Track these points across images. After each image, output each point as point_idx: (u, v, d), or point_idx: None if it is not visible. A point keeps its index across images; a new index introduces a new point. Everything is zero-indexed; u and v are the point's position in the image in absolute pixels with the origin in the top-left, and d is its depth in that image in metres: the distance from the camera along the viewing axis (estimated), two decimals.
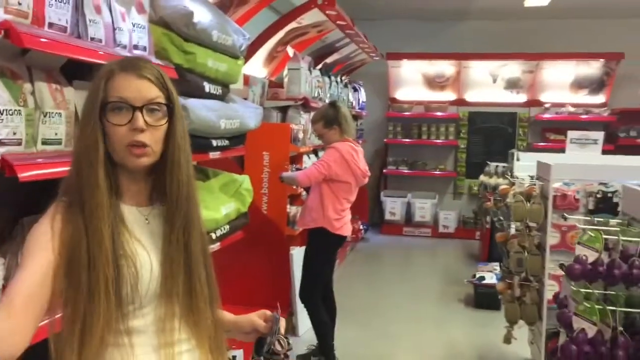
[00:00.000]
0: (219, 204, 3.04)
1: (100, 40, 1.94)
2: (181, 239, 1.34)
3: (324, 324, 4.07)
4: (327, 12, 5.01)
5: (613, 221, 2.18)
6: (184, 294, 1.34)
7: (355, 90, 7.71)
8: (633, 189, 2.20)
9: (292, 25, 5.06)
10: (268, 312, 1.51)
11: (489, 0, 7.42)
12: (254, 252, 4.16)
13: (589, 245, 1.88)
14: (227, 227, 3.08)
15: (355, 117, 7.81)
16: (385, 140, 8.79)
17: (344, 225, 4.10)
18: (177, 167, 1.34)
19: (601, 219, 2.34)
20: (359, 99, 7.83)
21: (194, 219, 1.37)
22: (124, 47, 2.09)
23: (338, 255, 4.52)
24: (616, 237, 1.91)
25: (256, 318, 1.50)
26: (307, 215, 4.12)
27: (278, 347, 1.46)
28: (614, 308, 1.85)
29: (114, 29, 2.04)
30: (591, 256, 1.87)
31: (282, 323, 1.48)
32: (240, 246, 3.45)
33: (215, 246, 2.98)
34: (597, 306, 1.86)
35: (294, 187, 4.52)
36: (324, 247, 4.10)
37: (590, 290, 1.87)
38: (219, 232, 2.98)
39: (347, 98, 6.98)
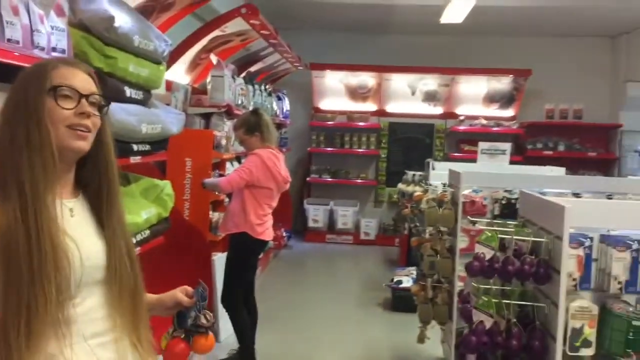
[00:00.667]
0: (140, 209, 3.04)
1: (17, 42, 1.94)
2: (113, 229, 1.41)
3: (245, 328, 4.12)
4: (250, 21, 5.08)
5: (511, 223, 2.37)
6: (110, 283, 1.40)
7: (279, 99, 7.81)
8: (528, 194, 2.40)
9: (216, 33, 5.10)
10: (189, 288, 1.59)
11: (408, 15, 7.73)
12: (175, 258, 4.14)
13: (487, 244, 2.05)
14: (148, 231, 3.09)
15: (280, 126, 7.91)
16: (308, 149, 8.93)
17: (266, 230, 4.17)
18: (109, 155, 1.43)
19: (500, 222, 2.54)
20: (282, 108, 7.94)
21: (120, 210, 1.45)
22: (42, 49, 2.08)
23: (261, 262, 4.58)
24: (511, 237, 2.09)
25: (179, 293, 1.58)
26: (229, 220, 4.17)
27: (203, 321, 1.54)
28: (508, 301, 2.03)
29: (32, 31, 2.04)
30: (488, 254, 2.04)
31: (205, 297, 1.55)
32: (162, 253, 3.45)
33: (136, 250, 2.98)
34: (493, 300, 2.03)
35: (217, 193, 4.55)
36: (246, 252, 4.16)
37: (488, 286, 2.04)
38: (139, 237, 2.98)
39: (271, 107, 7.06)
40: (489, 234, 2.06)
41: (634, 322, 1.93)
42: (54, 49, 2.16)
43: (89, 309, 1.36)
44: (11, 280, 1.25)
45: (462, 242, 3.78)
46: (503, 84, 8.84)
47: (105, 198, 1.43)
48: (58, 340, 1.31)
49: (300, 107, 9.00)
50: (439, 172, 4.99)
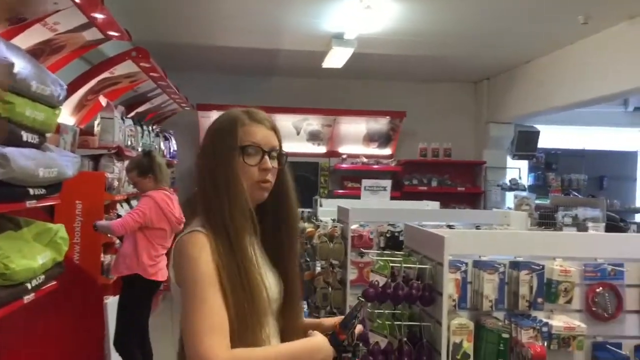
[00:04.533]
0: (35, 253, 3.00)
1: None
2: (291, 267, 1.59)
3: None
4: (141, 64, 5.14)
5: (398, 253, 2.65)
6: (283, 314, 1.56)
7: (166, 139, 7.81)
8: (412, 227, 2.70)
9: (105, 75, 5.10)
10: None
11: (292, 59, 8.10)
12: (66, 304, 4.04)
13: (380, 272, 2.29)
14: (43, 276, 3.04)
15: (168, 165, 7.89)
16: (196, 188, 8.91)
17: (159, 271, 4.19)
18: (292, 206, 1.61)
19: (389, 252, 2.81)
20: (170, 148, 7.94)
21: (296, 250, 1.62)
22: None
23: (155, 302, 4.56)
24: (399, 265, 2.36)
25: (337, 320, 1.68)
26: (121, 262, 4.14)
27: (350, 340, 1.58)
28: (399, 323, 2.28)
29: None
30: (382, 281, 2.29)
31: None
32: (52, 298, 3.39)
33: (31, 297, 2.93)
34: (387, 322, 2.27)
35: (108, 235, 4.50)
36: (138, 293, 4.14)
37: (382, 310, 2.28)
38: (34, 282, 2.94)
39: (159, 147, 7.06)
40: (382, 263, 2.30)
41: (503, 335, 2.25)
42: None
43: (266, 337, 1.48)
44: (235, 301, 1.39)
45: (352, 274, 4.05)
46: (381, 124, 9.43)
47: (287, 242, 1.58)
48: None
49: (187, 147, 9.01)
50: (326, 209, 5.28)
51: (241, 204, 1.48)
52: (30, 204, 2.94)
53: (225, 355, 1.33)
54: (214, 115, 8.89)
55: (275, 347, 1.48)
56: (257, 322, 1.43)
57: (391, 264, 2.32)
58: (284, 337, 1.55)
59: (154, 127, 7.14)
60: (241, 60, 8.24)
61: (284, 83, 9.15)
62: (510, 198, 8.39)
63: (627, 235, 3.71)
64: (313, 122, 9.22)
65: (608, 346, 2.37)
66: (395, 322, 2.22)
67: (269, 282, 1.51)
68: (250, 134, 1.53)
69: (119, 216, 4.70)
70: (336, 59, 7.07)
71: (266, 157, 1.53)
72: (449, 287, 2.24)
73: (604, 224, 4.69)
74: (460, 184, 9.28)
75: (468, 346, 2.23)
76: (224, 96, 8.81)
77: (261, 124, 1.57)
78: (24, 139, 2.85)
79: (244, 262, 1.43)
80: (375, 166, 9.11)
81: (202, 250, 1.42)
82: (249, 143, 1.52)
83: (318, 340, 1.48)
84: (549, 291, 2.39)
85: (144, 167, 4.24)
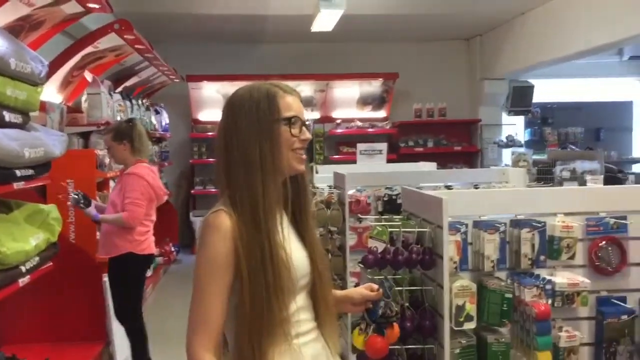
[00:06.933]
0: (27, 235, 2.95)
1: None
2: (314, 239, 1.59)
3: (144, 339, 4.07)
4: (124, 36, 5.01)
5: (397, 217, 2.60)
6: (313, 288, 1.56)
7: (157, 112, 7.70)
8: (409, 190, 2.65)
9: (89, 49, 4.97)
10: (373, 285, 1.74)
11: (280, 25, 7.94)
12: (65, 283, 4.01)
13: (378, 238, 2.25)
14: (37, 258, 3.00)
15: (160, 140, 7.80)
16: (190, 160, 8.86)
17: (150, 245, 4.09)
18: (307, 176, 1.62)
19: (387, 217, 2.76)
20: (161, 122, 7.83)
21: (314, 223, 1.64)
22: None
23: (152, 278, 4.53)
24: (398, 230, 2.31)
25: (364, 290, 1.73)
26: (109, 243, 3.97)
27: (388, 311, 1.70)
28: (400, 288, 2.24)
29: None
30: (380, 247, 2.24)
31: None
32: (51, 278, 3.35)
33: (26, 279, 2.89)
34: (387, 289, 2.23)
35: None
36: (132, 271, 4.06)
37: (382, 277, 2.24)
38: (29, 265, 2.89)
39: (150, 121, 6.96)
40: (380, 229, 2.25)
41: (506, 295, 2.21)
42: None
43: (296, 311, 1.50)
44: (253, 285, 1.40)
45: (351, 240, 4.01)
46: (374, 87, 9.31)
47: (305, 213, 1.59)
48: (284, 338, 1.46)
49: (179, 119, 8.91)
50: (323, 175, 5.22)
51: (276, 179, 1.49)
52: (17, 185, 2.88)
53: (202, 356, 1.42)
54: (205, 86, 8.89)
55: None
56: (278, 303, 1.43)
57: (389, 229, 2.27)
58: (317, 310, 1.57)
59: (144, 101, 7.02)
60: (229, 28, 8.07)
61: (274, 50, 8.99)
62: (507, 155, 8.33)
63: (629, 187, 3.66)
64: (305, 88, 9.10)
65: (613, 300, 2.34)
66: (397, 288, 2.18)
67: (297, 257, 1.51)
68: (289, 105, 1.53)
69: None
70: (325, 21, 6.91)
71: (304, 127, 1.55)
72: (450, 250, 2.20)
73: (602, 176, 4.64)
74: (456, 143, 9.22)
75: (471, 308, 2.19)
76: (213, 66, 8.68)
77: (293, 95, 1.57)
78: (7, 119, 2.77)
79: (269, 242, 1.44)
80: (371, 130, 9.02)
81: (219, 234, 1.43)
82: (291, 114, 1.52)
83: None
84: (551, 248, 2.35)
85: (121, 132, 3.97)
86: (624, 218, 2.38)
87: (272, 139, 1.48)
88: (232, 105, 1.54)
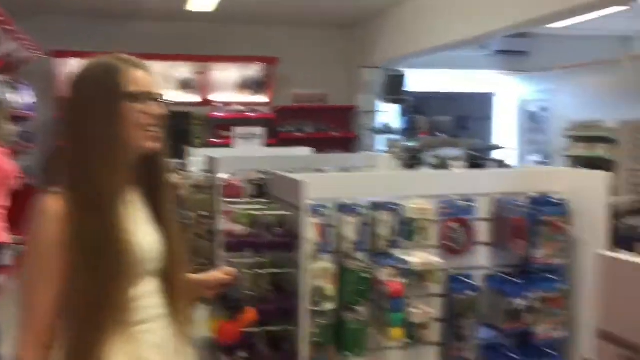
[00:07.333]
0: None
1: None
2: (169, 220, 1.51)
3: None
4: None
5: (263, 201, 2.61)
6: (164, 272, 1.49)
7: (17, 90, 7.15)
8: (274, 173, 2.67)
9: None
10: (228, 268, 1.74)
11: (156, 2, 7.64)
12: None
13: (239, 221, 2.25)
14: None
15: (23, 119, 7.26)
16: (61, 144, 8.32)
17: (1, 232, 3.84)
18: (165, 154, 1.53)
19: (254, 201, 2.77)
20: (24, 100, 7.28)
21: (172, 203, 1.54)
22: None
23: (11, 268, 4.24)
24: (261, 213, 2.32)
25: (219, 274, 1.72)
26: None
27: (237, 295, 1.73)
28: (261, 271, 2.26)
29: None
30: (241, 230, 2.24)
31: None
32: None
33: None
34: (249, 272, 2.25)
35: None
36: None
37: (244, 260, 2.25)
38: None
39: (9, 99, 6.44)
40: (239, 212, 2.25)
41: (363, 275, 2.30)
42: None
43: (142, 296, 1.43)
44: (86, 271, 1.32)
45: (224, 224, 3.97)
46: (255, 71, 9.25)
47: (161, 195, 1.51)
48: (122, 325, 1.38)
49: (46, 98, 8.33)
50: (197, 159, 5.12)
51: (117, 159, 1.39)
52: None
53: (25, 354, 1.36)
54: (73, 63, 8.35)
55: None
56: (116, 289, 1.36)
57: (251, 212, 2.27)
58: (169, 295, 1.51)
59: (3, 76, 6.48)
60: (99, 3, 7.64)
61: (149, 28, 8.63)
62: (383, 141, 8.63)
63: (477, 172, 3.91)
64: (184, 70, 8.84)
65: (460, 277, 2.50)
66: (259, 271, 2.19)
67: (145, 241, 1.44)
68: (134, 79, 1.44)
69: None
70: (205, 1, 6.75)
71: (152, 102, 1.47)
72: (309, 232, 2.24)
73: (464, 163, 4.95)
74: (334, 129, 9.40)
75: (329, 288, 2.25)
76: (82, 43, 8.16)
77: (140, 68, 1.48)
78: None
79: (106, 226, 1.34)
80: (251, 114, 8.97)
81: (45, 218, 1.34)
82: (134, 88, 1.43)
83: None
84: (407, 230, 2.47)
85: None
86: (473, 200, 2.55)
87: (113, 116, 1.39)
88: (73, 80, 1.47)
